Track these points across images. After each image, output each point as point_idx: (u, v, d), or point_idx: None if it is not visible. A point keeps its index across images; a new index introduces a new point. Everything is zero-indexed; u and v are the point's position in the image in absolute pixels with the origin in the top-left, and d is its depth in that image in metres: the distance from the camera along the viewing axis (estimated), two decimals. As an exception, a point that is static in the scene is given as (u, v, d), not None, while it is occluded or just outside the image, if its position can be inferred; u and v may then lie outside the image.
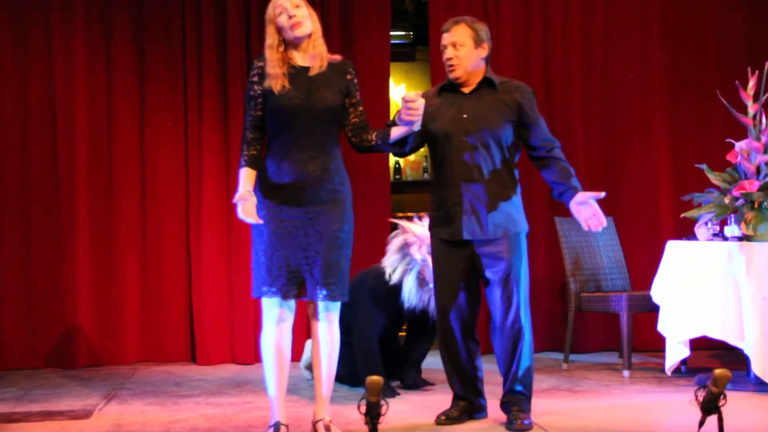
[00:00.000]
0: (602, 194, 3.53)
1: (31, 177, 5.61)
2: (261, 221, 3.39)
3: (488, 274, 3.68)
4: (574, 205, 3.57)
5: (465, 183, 3.65)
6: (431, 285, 4.11)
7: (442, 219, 3.73)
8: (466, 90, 3.72)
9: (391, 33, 6.06)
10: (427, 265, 4.27)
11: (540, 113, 3.74)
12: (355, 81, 3.54)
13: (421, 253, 4.34)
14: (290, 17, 3.40)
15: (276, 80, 3.40)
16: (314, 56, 3.46)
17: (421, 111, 3.40)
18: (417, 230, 4.40)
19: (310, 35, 3.45)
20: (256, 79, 3.44)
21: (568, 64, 5.88)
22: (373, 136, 3.52)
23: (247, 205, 3.38)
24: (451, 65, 3.68)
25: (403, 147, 3.62)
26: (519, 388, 3.68)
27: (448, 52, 3.69)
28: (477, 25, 3.71)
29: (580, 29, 5.90)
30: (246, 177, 3.42)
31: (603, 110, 5.92)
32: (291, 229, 3.40)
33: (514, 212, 3.68)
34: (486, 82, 3.71)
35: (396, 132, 3.51)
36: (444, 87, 3.78)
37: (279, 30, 3.44)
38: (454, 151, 3.67)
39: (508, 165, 3.69)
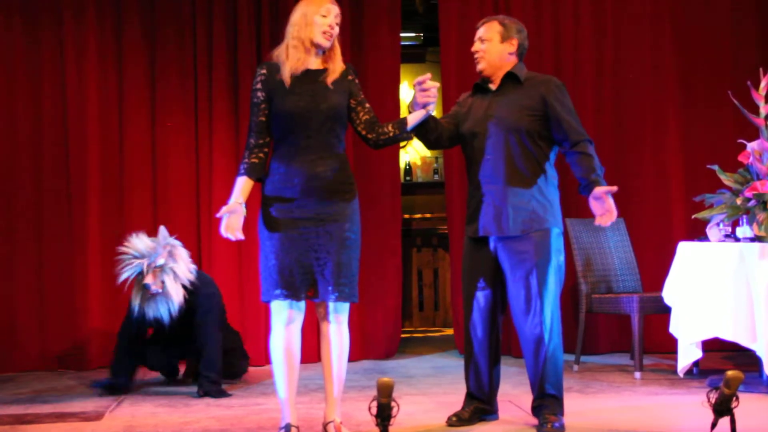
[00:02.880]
0: (614, 188, 3.50)
1: (43, 178, 5.63)
2: (243, 238, 3.41)
3: (509, 272, 3.64)
4: (590, 199, 3.54)
5: (489, 180, 3.65)
6: (161, 291, 4.47)
7: (469, 217, 3.74)
8: (493, 87, 3.73)
9: (402, 34, 6.06)
10: (153, 271, 4.50)
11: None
12: (356, 81, 3.57)
13: (145, 264, 4.51)
14: (330, 27, 3.44)
15: (292, 72, 3.41)
16: (331, 63, 3.50)
17: (434, 92, 3.48)
18: (138, 245, 4.56)
19: (331, 47, 3.51)
20: (259, 86, 3.46)
21: (579, 66, 5.86)
22: (390, 128, 3.55)
23: (232, 219, 3.39)
24: (476, 58, 3.75)
25: (427, 134, 3.67)
26: (551, 391, 3.62)
27: (475, 46, 3.76)
28: (507, 22, 3.76)
29: (590, 30, 5.88)
30: (241, 187, 3.42)
31: (614, 111, 5.90)
32: (302, 230, 3.41)
33: (540, 210, 3.61)
34: (510, 77, 3.71)
35: (412, 118, 3.56)
36: (476, 87, 3.81)
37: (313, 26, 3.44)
38: (479, 149, 3.68)
39: (538, 161, 3.64)
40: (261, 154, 3.46)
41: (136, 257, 4.55)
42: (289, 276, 3.39)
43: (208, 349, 4.64)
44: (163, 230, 4.63)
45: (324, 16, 3.44)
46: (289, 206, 3.42)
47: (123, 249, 4.59)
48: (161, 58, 5.74)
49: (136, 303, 4.57)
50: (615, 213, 3.51)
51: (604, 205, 3.51)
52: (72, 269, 5.59)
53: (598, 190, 3.51)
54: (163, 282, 4.51)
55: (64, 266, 5.60)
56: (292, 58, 3.44)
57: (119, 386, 4.68)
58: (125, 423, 3.98)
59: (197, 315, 4.67)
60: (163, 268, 4.51)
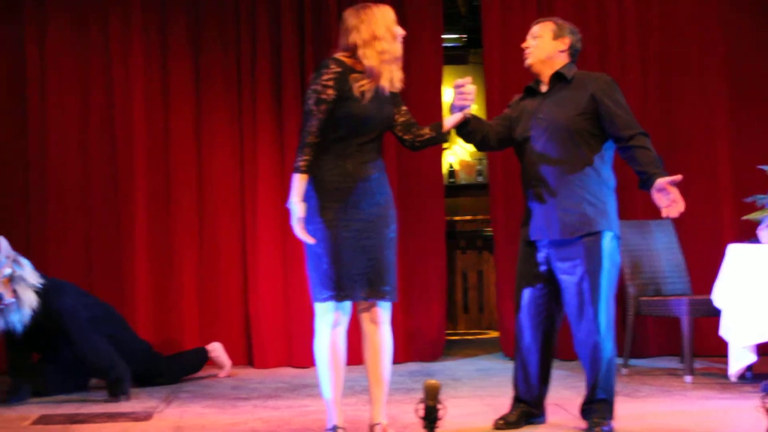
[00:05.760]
0: (679, 178, 3.39)
1: (91, 180, 5.71)
2: (314, 241, 3.40)
3: (561, 278, 3.60)
4: (653, 192, 3.43)
5: (539, 183, 3.62)
6: (14, 300, 4.50)
7: (523, 220, 3.73)
8: (543, 89, 3.71)
9: (444, 36, 6.04)
10: (2, 281, 4.52)
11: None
12: None
13: None
14: (402, 36, 3.50)
15: (377, 85, 3.43)
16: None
17: (472, 95, 3.50)
18: None
19: None
20: (332, 83, 3.40)
21: (626, 65, 5.80)
22: (426, 130, 3.57)
23: (303, 221, 3.40)
24: (525, 54, 3.74)
25: (471, 136, 3.69)
26: (601, 395, 3.58)
27: (526, 42, 3.75)
28: (561, 22, 3.75)
29: (636, 29, 5.82)
30: (302, 185, 3.40)
31: (660, 110, 5.82)
32: (355, 232, 3.42)
33: (591, 212, 3.54)
34: (558, 78, 3.68)
35: (449, 121, 3.60)
36: (527, 90, 3.79)
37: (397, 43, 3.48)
38: (530, 153, 3.65)
39: (590, 161, 3.57)
40: (315, 152, 3.42)
41: None
42: (345, 277, 3.39)
43: (88, 355, 4.61)
44: (3, 241, 4.64)
45: (396, 26, 3.49)
46: (342, 207, 3.42)
47: None
48: (205, 60, 5.80)
49: None
50: (682, 203, 3.39)
51: (669, 196, 3.40)
52: (119, 273, 5.67)
53: (661, 181, 3.40)
54: (14, 291, 4.54)
55: (112, 270, 5.68)
56: (386, 72, 3.43)
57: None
58: (174, 423, 4.02)
59: (63, 323, 4.61)
60: (12, 277, 4.55)
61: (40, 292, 4.60)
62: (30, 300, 4.55)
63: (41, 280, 4.65)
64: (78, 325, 4.63)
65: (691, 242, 5.61)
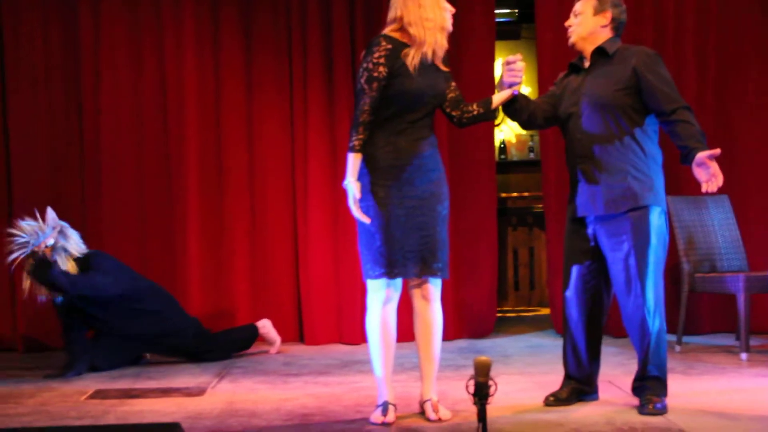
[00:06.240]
0: (717, 151, 3.33)
1: (143, 157, 5.77)
2: (370, 220, 3.40)
3: (608, 253, 3.57)
4: (693, 167, 3.38)
5: (582, 159, 3.58)
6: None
7: (569, 197, 3.70)
8: (586, 65, 3.67)
9: (496, 11, 5.97)
10: (44, 251, 4.67)
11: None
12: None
13: (35, 246, 4.66)
14: (452, 12, 3.47)
15: (422, 53, 3.40)
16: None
17: (522, 72, 3.48)
18: (26, 227, 4.69)
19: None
20: (383, 60, 3.39)
21: (682, 36, 5.66)
22: (474, 106, 3.55)
23: (359, 201, 3.40)
24: (569, 33, 3.69)
25: (518, 114, 3.65)
26: (653, 372, 3.56)
27: (569, 21, 3.70)
28: None
29: (694, 2, 5.68)
30: (357, 164, 3.41)
31: (717, 83, 5.69)
32: (409, 209, 3.42)
33: (637, 187, 3.50)
34: (599, 53, 3.62)
35: (498, 97, 3.57)
36: (571, 66, 3.74)
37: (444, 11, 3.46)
38: (574, 129, 3.62)
39: (634, 136, 3.53)
40: (369, 130, 3.42)
41: (25, 239, 4.68)
42: (398, 254, 3.40)
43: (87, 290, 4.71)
44: (50, 211, 4.74)
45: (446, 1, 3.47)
46: (396, 185, 3.43)
47: (12, 231, 4.73)
48: (257, 34, 5.80)
49: (27, 282, 4.69)
50: (721, 177, 3.34)
51: (709, 170, 3.35)
52: (173, 251, 5.74)
53: (701, 155, 3.35)
54: (55, 261, 4.66)
55: (165, 249, 5.75)
56: (430, 39, 3.41)
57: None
58: (226, 399, 4.07)
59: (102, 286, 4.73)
60: (54, 247, 4.67)
61: (82, 258, 4.75)
62: (70, 269, 4.69)
63: (85, 251, 4.80)
64: (102, 272, 4.74)
65: (749, 217, 5.50)
